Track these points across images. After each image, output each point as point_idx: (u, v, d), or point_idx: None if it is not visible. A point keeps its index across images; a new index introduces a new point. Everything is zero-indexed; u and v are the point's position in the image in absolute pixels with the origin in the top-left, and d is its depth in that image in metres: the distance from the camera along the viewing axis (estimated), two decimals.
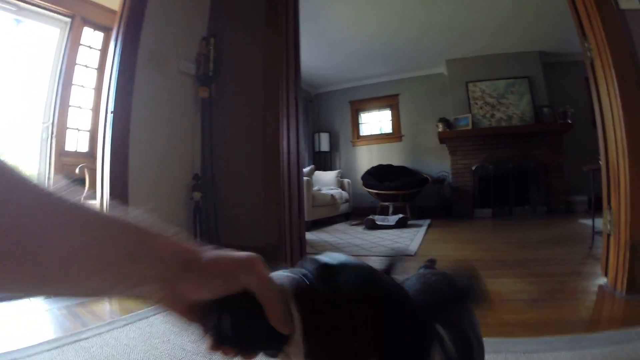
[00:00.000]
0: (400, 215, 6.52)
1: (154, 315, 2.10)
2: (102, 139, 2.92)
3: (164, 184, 3.23)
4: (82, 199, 0.41)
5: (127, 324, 1.97)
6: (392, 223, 6.25)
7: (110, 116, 2.86)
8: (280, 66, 3.08)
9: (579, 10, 2.50)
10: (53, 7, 4.54)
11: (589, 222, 3.99)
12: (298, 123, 3.28)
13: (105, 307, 2.43)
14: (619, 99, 2.24)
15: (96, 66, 5.12)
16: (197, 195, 3.34)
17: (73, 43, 4.79)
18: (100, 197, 2.89)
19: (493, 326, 1.77)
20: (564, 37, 6.81)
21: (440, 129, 8.36)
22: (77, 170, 4.29)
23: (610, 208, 2.38)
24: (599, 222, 2.94)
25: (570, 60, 7.69)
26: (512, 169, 7.75)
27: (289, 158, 3.05)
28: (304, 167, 7.41)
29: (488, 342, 1.55)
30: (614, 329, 1.70)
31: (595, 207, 3.45)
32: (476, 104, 8.34)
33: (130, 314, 2.14)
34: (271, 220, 2.93)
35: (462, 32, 7.25)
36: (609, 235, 2.40)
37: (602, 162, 2.49)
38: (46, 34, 4.73)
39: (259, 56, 3.23)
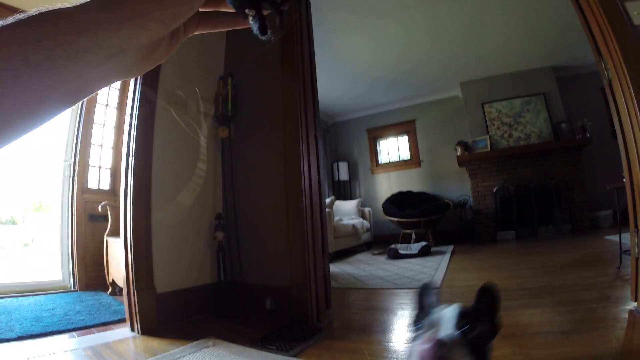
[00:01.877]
0: (423, 243, 6.48)
1: (180, 357, 2.11)
2: (124, 181, 2.97)
3: (186, 224, 3.26)
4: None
5: None
6: (415, 252, 6.21)
7: (132, 159, 2.91)
8: (297, 105, 3.10)
9: (594, 32, 2.49)
10: None
11: (615, 238, 3.92)
12: (319, 161, 3.29)
13: (130, 348, 2.44)
14: None
15: (116, 105, 5.23)
16: (219, 235, 3.36)
17: None
18: (123, 236, 2.92)
19: None
20: (574, 49, 6.86)
21: (458, 153, 8.35)
22: (99, 208, 4.37)
23: (637, 231, 2.33)
24: (626, 238, 2.87)
25: (584, 72, 7.74)
26: (533, 188, 7.69)
27: (311, 197, 3.05)
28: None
29: None
30: None
31: (622, 222, 3.37)
32: (493, 124, 8.33)
33: (156, 356, 2.15)
34: (295, 260, 2.92)
35: (472, 53, 7.33)
36: (637, 259, 2.36)
37: (626, 183, 2.45)
38: None
39: (277, 95, 3.26)
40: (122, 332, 2.75)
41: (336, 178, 10.19)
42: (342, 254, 7.03)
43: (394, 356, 2.03)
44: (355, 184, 10.43)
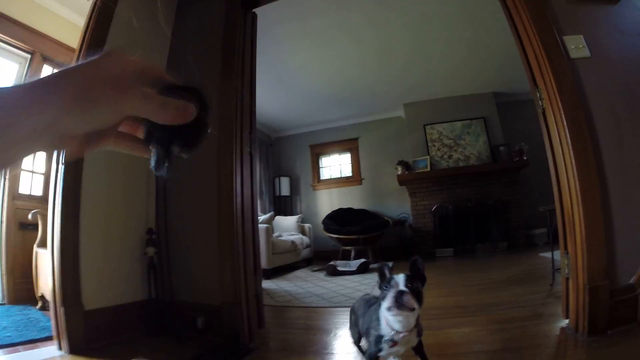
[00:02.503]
0: (362, 260, 6.47)
1: None
2: (52, 189, 2.80)
3: (117, 238, 3.10)
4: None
5: None
6: (354, 268, 6.18)
7: (61, 167, 2.75)
8: (233, 121, 3.03)
9: (531, 62, 2.57)
10: (13, 41, 4.45)
11: (549, 255, 4.01)
12: (253, 178, 3.21)
13: None
14: (571, 150, 2.30)
15: None
16: (150, 250, 3.22)
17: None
18: (50, 248, 2.75)
19: None
20: (515, 77, 7.05)
21: (399, 172, 8.44)
22: (29, 216, 4.14)
23: (567, 252, 2.38)
24: (558, 255, 2.92)
25: (523, 98, 7.97)
26: (471, 208, 7.87)
27: (242, 214, 2.97)
28: (265, 214, 7.36)
29: None
30: None
31: (554, 241, 3.44)
32: (434, 145, 8.52)
33: None
34: (225, 277, 2.83)
35: (418, 77, 7.50)
36: (567, 279, 2.39)
37: (556, 207, 2.50)
38: (5, 68, 4.60)
39: (215, 109, 3.17)
40: (49, 351, 2.56)
41: (277, 193, 10.13)
42: (281, 270, 6.95)
43: None
44: (297, 199, 10.39)
